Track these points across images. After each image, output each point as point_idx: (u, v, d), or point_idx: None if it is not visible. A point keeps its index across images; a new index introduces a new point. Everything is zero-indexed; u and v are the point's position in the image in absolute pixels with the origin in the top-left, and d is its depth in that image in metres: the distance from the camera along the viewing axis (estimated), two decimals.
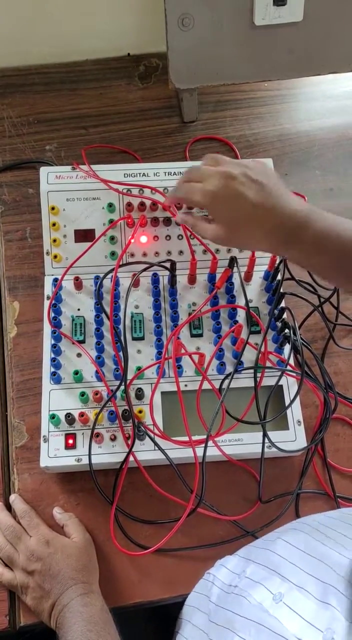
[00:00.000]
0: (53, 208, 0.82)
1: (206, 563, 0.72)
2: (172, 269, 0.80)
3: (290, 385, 0.78)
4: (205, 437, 0.71)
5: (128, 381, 0.75)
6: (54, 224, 0.82)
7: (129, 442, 0.73)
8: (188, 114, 1.01)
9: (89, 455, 0.72)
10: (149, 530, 0.74)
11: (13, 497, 0.74)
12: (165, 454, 0.72)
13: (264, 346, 0.76)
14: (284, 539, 0.58)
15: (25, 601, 0.68)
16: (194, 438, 0.72)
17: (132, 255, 0.83)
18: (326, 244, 0.64)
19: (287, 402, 0.77)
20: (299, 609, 0.48)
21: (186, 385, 0.76)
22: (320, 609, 0.46)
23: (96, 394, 0.75)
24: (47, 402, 0.75)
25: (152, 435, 0.73)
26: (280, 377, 0.75)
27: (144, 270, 0.80)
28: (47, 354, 0.77)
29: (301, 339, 0.76)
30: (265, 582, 0.54)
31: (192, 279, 0.83)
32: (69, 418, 0.74)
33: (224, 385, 0.74)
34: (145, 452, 0.73)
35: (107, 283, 0.82)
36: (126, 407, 0.74)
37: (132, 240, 0.82)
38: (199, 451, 0.71)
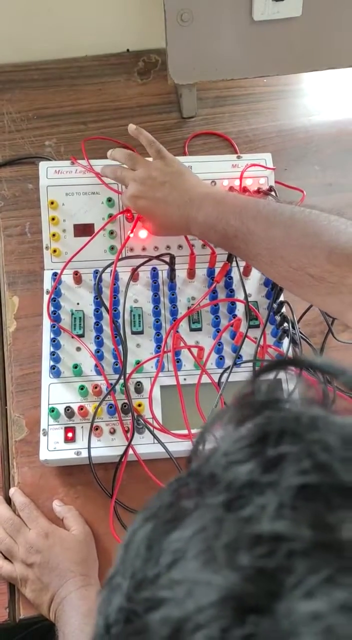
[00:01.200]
0: (52, 203, 0.82)
1: None
2: (171, 263, 0.80)
3: (289, 379, 0.78)
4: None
5: (127, 374, 0.75)
6: (53, 219, 0.82)
7: (129, 435, 0.73)
8: (187, 109, 1.01)
9: (89, 448, 0.73)
10: None
11: (13, 490, 0.74)
12: (164, 447, 0.72)
13: (263, 340, 0.76)
14: None
15: (25, 594, 0.68)
16: (194, 431, 0.72)
17: (132, 249, 0.84)
18: (208, 233, 0.71)
19: (285, 395, 0.77)
20: None
21: (185, 379, 0.77)
22: None
23: (95, 388, 0.75)
24: (46, 396, 0.76)
25: (151, 428, 0.73)
26: (278, 370, 0.75)
27: (143, 264, 0.80)
28: (46, 348, 0.78)
29: (300, 332, 0.77)
30: None
31: (191, 273, 0.83)
32: (69, 411, 0.74)
33: (223, 379, 0.74)
34: (145, 446, 0.74)
35: (107, 277, 0.82)
36: (125, 401, 0.74)
37: (131, 235, 0.82)
38: None
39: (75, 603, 0.64)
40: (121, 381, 0.75)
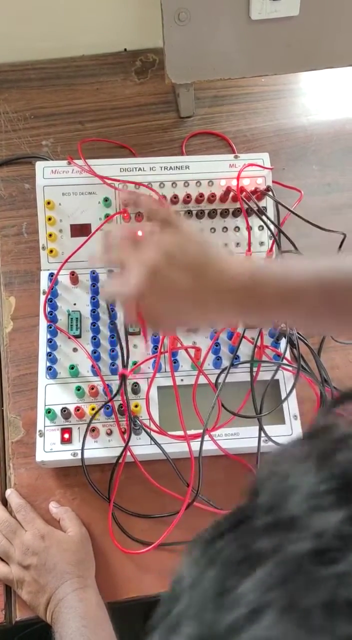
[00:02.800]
0: (49, 203, 0.82)
1: None
2: None
3: (286, 379, 0.78)
4: (200, 431, 0.71)
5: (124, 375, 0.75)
6: (49, 219, 0.82)
7: (125, 436, 0.73)
8: (185, 109, 1.01)
9: (82, 452, 0.72)
10: (145, 525, 0.74)
11: (9, 492, 0.74)
12: (161, 448, 0.72)
13: (260, 340, 0.75)
14: None
15: (21, 595, 0.68)
16: (191, 432, 0.72)
17: None
18: (296, 292, 0.54)
19: (283, 396, 0.77)
20: None
21: (182, 380, 0.76)
22: None
23: (92, 389, 0.75)
24: (43, 397, 0.75)
25: (148, 430, 0.73)
26: (276, 371, 0.75)
27: None
28: (43, 349, 0.77)
29: (297, 333, 0.76)
30: None
31: None
32: (65, 413, 0.73)
33: (220, 380, 0.74)
34: (142, 447, 0.73)
35: (103, 278, 0.82)
36: (122, 402, 0.74)
37: None
38: (195, 445, 0.71)
39: (73, 605, 0.64)
40: (118, 382, 0.75)
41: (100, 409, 0.73)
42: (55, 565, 0.66)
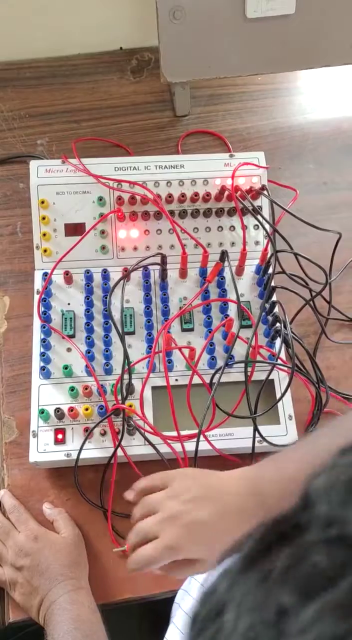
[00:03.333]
0: (43, 202, 0.81)
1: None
2: (163, 263, 0.80)
3: (281, 379, 0.78)
4: (195, 431, 0.70)
5: (118, 376, 0.74)
6: (43, 218, 0.81)
7: (119, 437, 0.72)
8: (180, 107, 1.00)
9: (77, 458, 0.72)
10: None
11: (2, 493, 0.74)
12: (155, 449, 0.71)
13: (255, 340, 0.75)
14: None
15: (14, 597, 0.68)
16: (185, 433, 0.71)
17: (123, 249, 0.83)
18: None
19: (278, 396, 0.76)
20: None
21: (176, 380, 0.76)
22: None
23: (86, 389, 0.74)
24: (36, 397, 0.75)
25: (142, 430, 0.72)
26: (271, 371, 0.75)
27: (135, 268, 0.79)
28: (36, 349, 0.77)
29: (292, 332, 0.76)
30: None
31: (183, 273, 0.82)
32: (59, 413, 0.73)
33: (215, 380, 0.73)
34: (136, 447, 0.73)
35: (98, 277, 0.81)
36: (115, 402, 0.73)
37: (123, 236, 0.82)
38: (188, 446, 0.70)
39: (65, 607, 0.63)
40: (112, 382, 0.75)
41: (110, 413, 0.72)
42: (48, 567, 0.66)
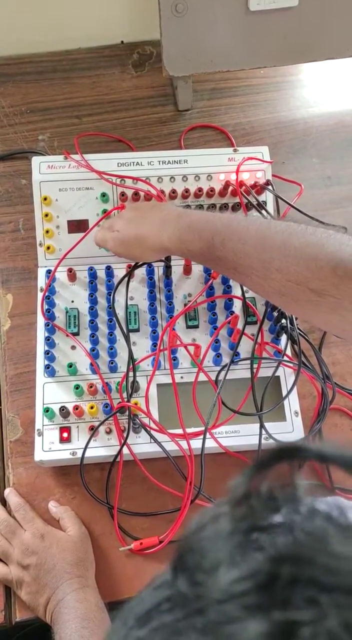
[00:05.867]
0: (45, 198, 0.81)
1: None
2: (167, 260, 0.79)
3: (287, 376, 0.77)
4: (201, 429, 0.70)
5: (123, 373, 0.74)
6: (46, 215, 0.81)
7: (124, 435, 0.72)
8: (183, 102, 1.00)
9: (82, 455, 0.72)
10: (145, 523, 0.73)
11: (7, 491, 0.73)
12: (161, 446, 0.71)
13: (260, 337, 0.75)
14: None
15: (21, 596, 0.67)
16: (191, 430, 0.71)
17: None
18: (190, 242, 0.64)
19: (284, 393, 0.76)
20: None
21: (181, 377, 0.76)
22: None
23: (91, 387, 0.74)
24: (41, 396, 0.75)
25: (148, 428, 0.72)
26: (277, 367, 0.74)
27: (140, 265, 0.79)
28: (40, 347, 0.76)
29: (298, 329, 0.75)
30: None
31: (187, 270, 0.81)
32: (64, 411, 0.73)
33: (221, 377, 0.73)
34: (141, 445, 0.73)
35: (101, 274, 0.81)
36: (120, 400, 0.73)
37: None
38: (194, 443, 0.70)
39: (72, 605, 0.63)
40: (117, 380, 0.75)
41: (120, 414, 0.72)
42: (55, 565, 0.66)
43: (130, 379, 0.73)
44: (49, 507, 0.73)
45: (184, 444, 0.71)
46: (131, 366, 0.73)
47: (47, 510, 0.73)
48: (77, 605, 0.63)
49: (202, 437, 0.70)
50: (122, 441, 0.71)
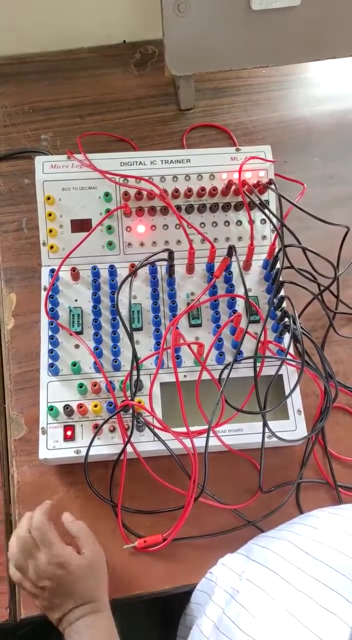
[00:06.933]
0: (49, 198, 0.81)
1: (206, 553, 0.72)
2: (170, 259, 0.79)
3: (290, 374, 0.78)
4: (205, 427, 0.70)
5: (127, 372, 0.74)
6: (50, 214, 0.81)
7: (128, 433, 0.72)
8: (185, 101, 1.00)
9: (86, 455, 0.72)
10: (149, 521, 0.73)
11: (38, 508, 0.69)
12: (165, 445, 0.71)
13: (263, 335, 0.75)
14: (283, 538, 0.57)
15: (34, 603, 0.67)
16: (194, 428, 0.71)
17: (130, 245, 0.83)
18: None
19: (287, 391, 0.76)
20: (303, 619, 0.46)
21: (185, 376, 0.76)
22: (325, 619, 0.43)
23: (95, 386, 0.74)
24: (45, 394, 0.75)
25: (151, 426, 0.72)
26: (280, 366, 0.75)
27: (144, 264, 0.78)
28: (44, 346, 0.77)
29: (301, 327, 0.75)
30: (264, 586, 0.52)
31: (190, 269, 0.82)
32: (68, 410, 0.73)
33: (224, 375, 0.73)
34: (145, 443, 0.73)
35: (105, 273, 0.81)
36: (124, 398, 0.73)
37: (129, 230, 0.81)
38: (197, 442, 0.70)
39: (82, 632, 0.63)
40: (121, 378, 0.75)
41: (134, 412, 0.72)
42: (72, 592, 0.64)
43: (134, 378, 0.74)
44: (63, 520, 0.70)
45: (187, 442, 0.71)
46: (135, 365, 0.73)
47: (51, 509, 0.73)
48: (87, 632, 0.63)
49: (205, 435, 0.71)
50: (126, 439, 0.72)
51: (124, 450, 0.72)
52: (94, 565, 0.67)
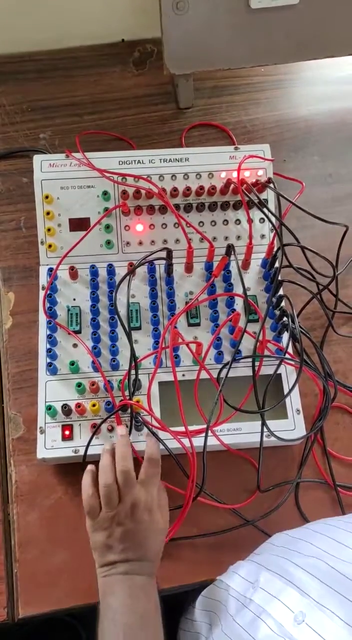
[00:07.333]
0: (47, 197, 0.81)
1: (205, 553, 0.72)
2: (169, 257, 0.79)
3: (289, 373, 0.78)
4: (203, 426, 0.70)
5: (125, 371, 0.74)
6: (48, 213, 0.81)
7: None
8: (184, 100, 1.00)
9: (86, 447, 0.72)
10: None
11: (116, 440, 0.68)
12: (163, 444, 0.71)
13: (262, 334, 0.75)
14: (297, 547, 0.56)
15: (89, 530, 0.64)
16: (193, 428, 0.71)
17: (128, 244, 0.82)
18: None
19: (286, 391, 0.76)
20: (325, 633, 0.45)
21: (183, 375, 0.76)
22: (348, 635, 0.43)
23: (93, 385, 0.74)
24: (43, 394, 0.75)
25: (150, 426, 0.72)
26: (278, 365, 0.74)
27: (142, 263, 0.78)
28: (42, 345, 0.77)
29: (300, 326, 0.75)
30: (281, 597, 0.52)
31: (189, 268, 0.82)
32: (66, 409, 0.73)
33: (222, 375, 0.73)
34: (144, 443, 0.73)
35: (103, 272, 0.81)
36: (122, 398, 0.73)
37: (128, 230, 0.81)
38: (196, 441, 0.70)
39: (135, 592, 0.61)
40: (119, 377, 0.75)
41: (132, 417, 0.72)
42: (140, 543, 0.63)
43: (132, 377, 0.73)
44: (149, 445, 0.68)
45: (186, 441, 0.71)
46: (134, 364, 0.73)
47: (49, 508, 0.73)
48: (140, 593, 0.61)
49: (204, 434, 0.70)
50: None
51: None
52: (165, 532, 0.67)
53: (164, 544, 0.67)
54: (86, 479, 0.66)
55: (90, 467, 0.67)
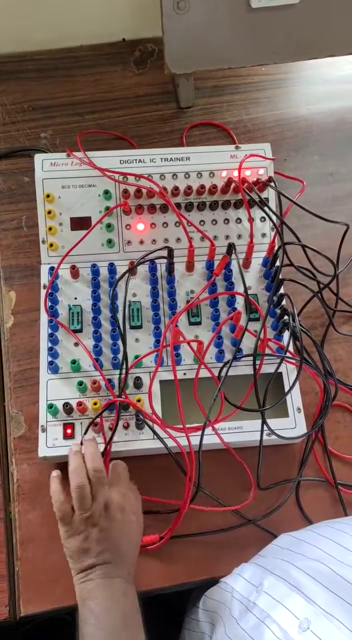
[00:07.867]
0: (48, 196, 0.81)
1: (204, 551, 0.72)
2: (170, 256, 0.79)
3: (290, 372, 0.78)
4: (202, 424, 0.70)
5: (124, 372, 0.74)
6: (49, 212, 0.81)
7: (129, 430, 0.72)
8: (184, 99, 1.00)
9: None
10: (146, 520, 0.73)
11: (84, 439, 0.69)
12: (163, 442, 0.71)
13: (263, 333, 0.75)
14: (301, 550, 0.56)
15: (63, 537, 0.64)
16: (193, 426, 0.71)
17: (129, 243, 0.82)
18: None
19: (286, 389, 0.76)
20: None
21: (184, 374, 0.76)
22: None
23: (94, 383, 0.74)
24: (44, 392, 0.75)
25: (150, 424, 0.72)
26: (279, 364, 0.75)
27: (142, 262, 0.79)
28: (44, 344, 0.77)
29: (300, 325, 0.75)
30: (286, 602, 0.51)
31: (190, 266, 0.82)
32: (67, 408, 0.73)
33: (223, 373, 0.73)
34: (143, 442, 0.73)
35: (104, 271, 0.81)
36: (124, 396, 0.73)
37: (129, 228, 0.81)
38: (196, 440, 0.70)
39: (116, 597, 0.61)
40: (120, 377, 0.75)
41: (136, 419, 0.72)
42: (116, 546, 0.63)
43: (123, 375, 0.73)
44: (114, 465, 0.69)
45: (184, 440, 0.71)
46: (130, 365, 0.73)
47: (50, 506, 0.72)
48: (123, 598, 0.61)
49: (201, 431, 0.70)
50: (110, 438, 0.71)
51: (108, 443, 0.71)
52: (140, 534, 0.67)
53: (139, 549, 0.67)
54: (55, 485, 0.66)
55: (55, 472, 0.67)
